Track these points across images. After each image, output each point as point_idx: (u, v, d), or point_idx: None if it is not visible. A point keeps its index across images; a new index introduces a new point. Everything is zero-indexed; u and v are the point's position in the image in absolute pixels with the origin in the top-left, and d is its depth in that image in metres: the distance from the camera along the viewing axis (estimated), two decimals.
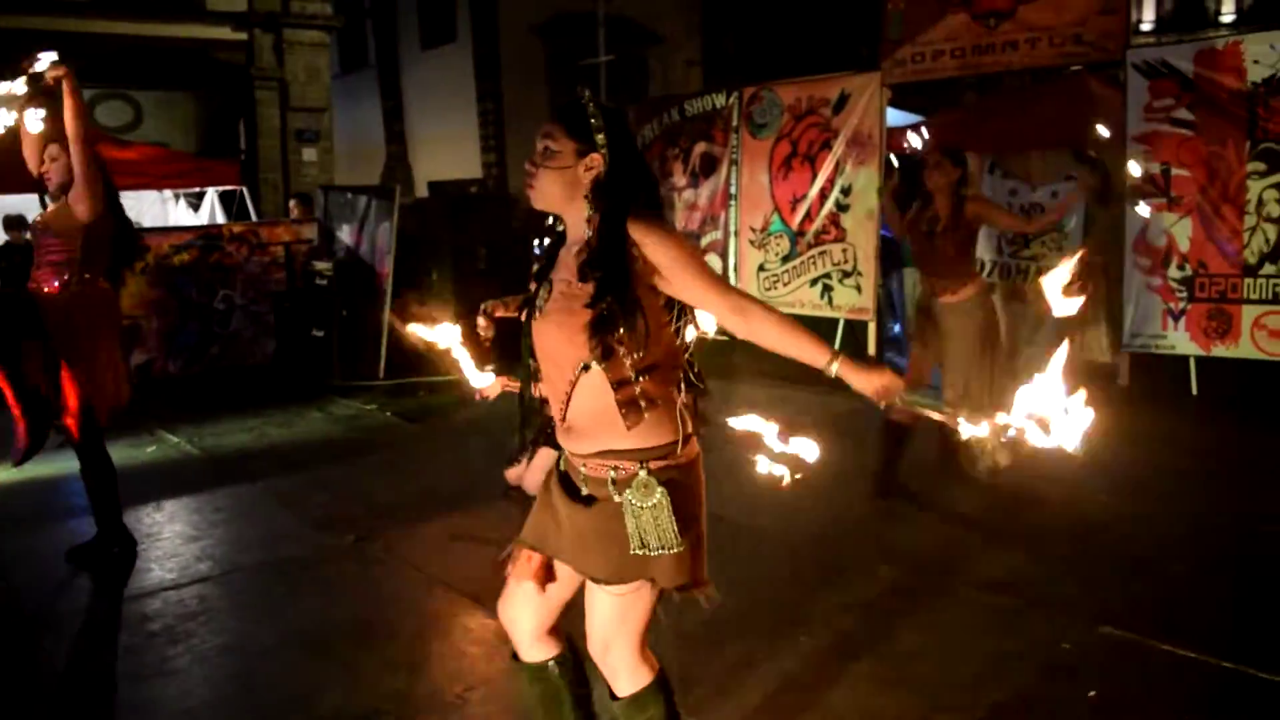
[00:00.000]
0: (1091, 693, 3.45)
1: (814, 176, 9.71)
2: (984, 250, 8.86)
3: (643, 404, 2.32)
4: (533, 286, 2.50)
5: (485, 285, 9.80)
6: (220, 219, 12.24)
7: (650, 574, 2.35)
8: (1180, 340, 7.56)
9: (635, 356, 2.30)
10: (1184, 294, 7.51)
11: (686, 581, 2.37)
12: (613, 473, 2.34)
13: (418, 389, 8.75)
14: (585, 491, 2.39)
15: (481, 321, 3.32)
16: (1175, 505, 5.36)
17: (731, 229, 10.58)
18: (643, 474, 2.32)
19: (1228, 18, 24.98)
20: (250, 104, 15.80)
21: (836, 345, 8.48)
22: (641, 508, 2.31)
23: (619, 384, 2.30)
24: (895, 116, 9.77)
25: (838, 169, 9.49)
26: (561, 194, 2.38)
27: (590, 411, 2.36)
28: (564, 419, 2.41)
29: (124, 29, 14.65)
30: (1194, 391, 7.56)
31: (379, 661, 3.90)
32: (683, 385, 2.43)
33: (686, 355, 2.46)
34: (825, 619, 4.09)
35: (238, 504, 5.90)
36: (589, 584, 2.45)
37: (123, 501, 4.95)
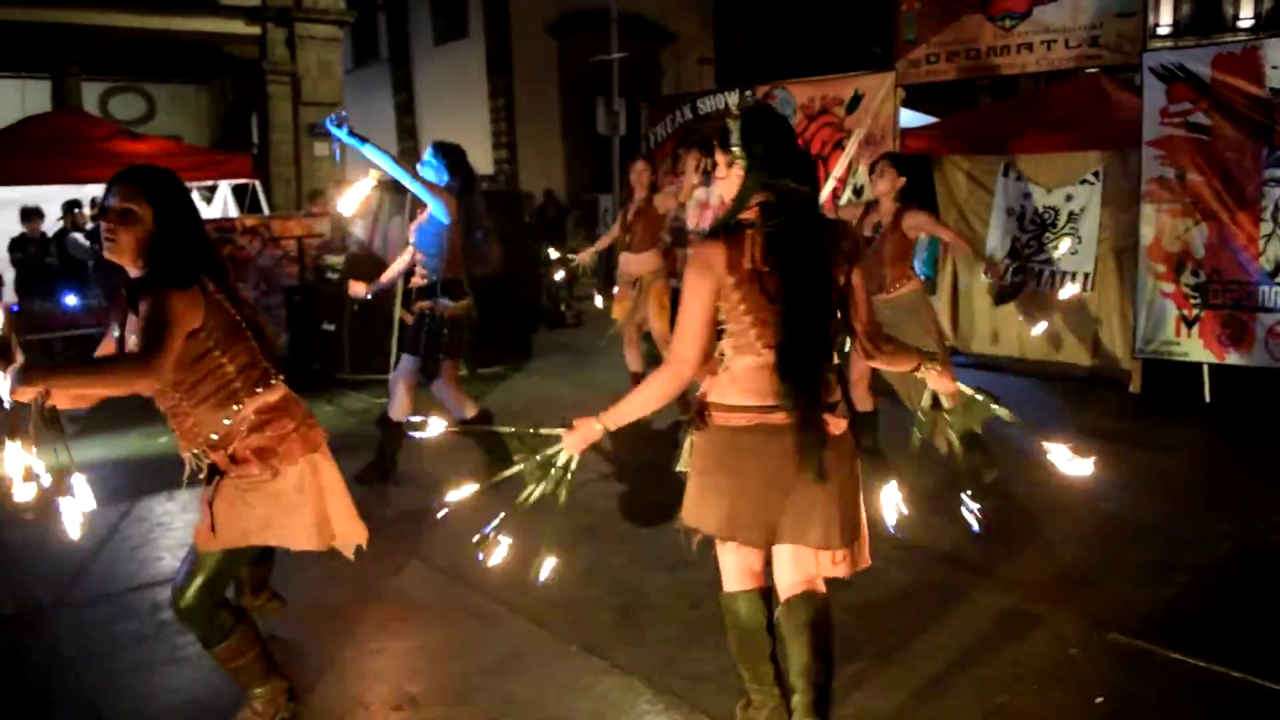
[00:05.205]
0: (1099, 699, 3.44)
1: (827, 176, 9.69)
2: (998, 253, 8.85)
3: None
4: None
5: (496, 279, 9.78)
6: (233, 212, 12.26)
7: None
8: (1194, 348, 7.52)
9: None
10: (1198, 301, 7.47)
11: None
12: None
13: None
14: None
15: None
16: (1186, 513, 5.34)
17: None
18: None
19: (1246, 22, 24.94)
20: (263, 98, 15.82)
21: None
22: None
23: None
24: (908, 117, 9.75)
25: (850, 169, 9.47)
26: None
27: None
28: None
29: (137, 23, 14.69)
30: (1207, 399, 7.53)
31: (396, 650, 3.92)
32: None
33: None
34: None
35: None
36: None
37: (136, 491, 4.96)
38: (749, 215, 2.72)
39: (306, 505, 3.01)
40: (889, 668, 3.66)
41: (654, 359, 7.54)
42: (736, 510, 2.78)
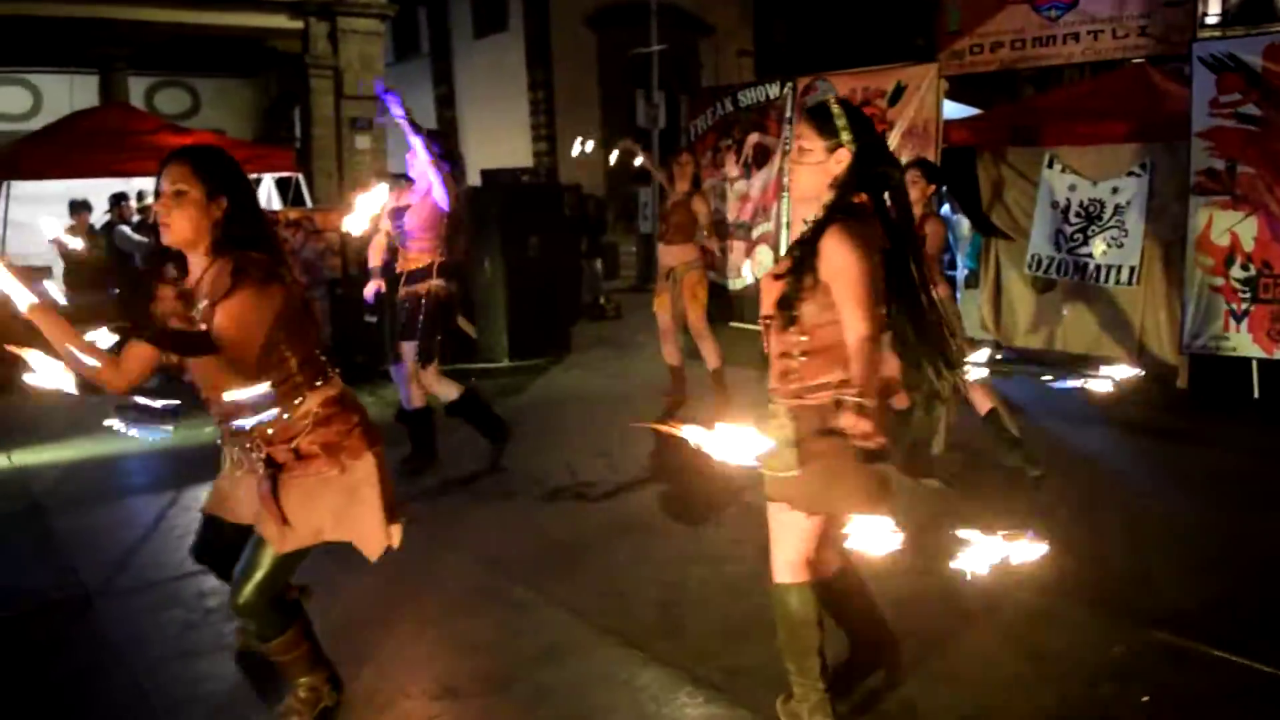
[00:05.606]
0: (1145, 698, 3.40)
1: None
2: (1042, 246, 8.75)
3: None
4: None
5: (536, 273, 9.83)
6: (276, 205, 12.37)
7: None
8: (1243, 342, 7.39)
9: None
10: (1247, 295, 7.34)
11: None
12: None
13: (469, 375, 8.79)
14: None
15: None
16: (1233, 509, 5.25)
17: (783, 221, 10.52)
18: None
19: None
20: (305, 92, 15.96)
21: None
22: None
23: None
24: (951, 108, 9.65)
25: None
26: None
27: None
28: None
29: (182, 18, 14.86)
30: (1255, 395, 7.40)
31: (435, 640, 3.94)
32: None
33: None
34: None
35: None
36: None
37: (181, 480, 5.02)
38: (856, 200, 2.81)
39: (377, 499, 2.96)
40: (931, 664, 3.63)
41: (692, 352, 7.52)
42: (881, 477, 2.82)
